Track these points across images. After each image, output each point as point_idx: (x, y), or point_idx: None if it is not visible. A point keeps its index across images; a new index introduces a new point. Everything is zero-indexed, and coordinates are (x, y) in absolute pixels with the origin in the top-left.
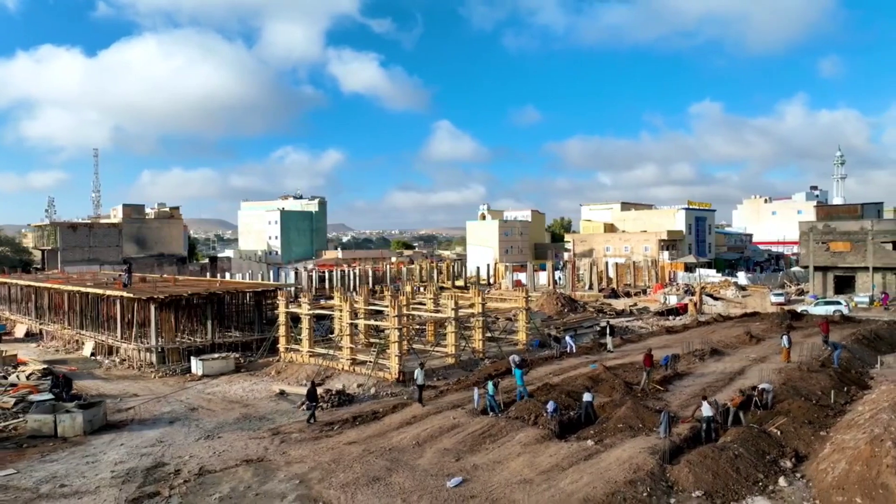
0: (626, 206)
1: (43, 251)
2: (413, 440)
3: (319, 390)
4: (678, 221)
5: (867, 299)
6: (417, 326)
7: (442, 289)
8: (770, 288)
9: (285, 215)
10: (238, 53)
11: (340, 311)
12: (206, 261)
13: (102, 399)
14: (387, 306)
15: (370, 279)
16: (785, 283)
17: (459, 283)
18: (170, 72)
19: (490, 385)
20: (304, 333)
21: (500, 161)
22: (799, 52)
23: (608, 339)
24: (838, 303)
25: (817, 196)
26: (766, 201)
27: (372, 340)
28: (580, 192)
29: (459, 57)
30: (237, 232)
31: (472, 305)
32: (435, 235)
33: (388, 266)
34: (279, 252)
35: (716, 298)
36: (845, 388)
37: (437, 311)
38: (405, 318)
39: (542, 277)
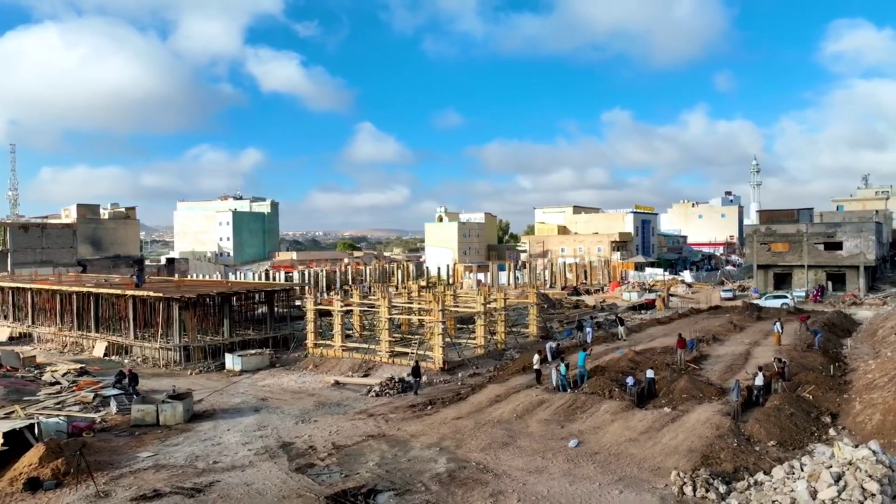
0: (577, 209)
1: None
2: (512, 413)
3: (373, 380)
4: (627, 224)
5: (804, 293)
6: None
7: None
8: (712, 285)
9: (237, 216)
10: (151, 46)
11: (371, 307)
12: (163, 262)
13: (190, 391)
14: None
15: (338, 280)
16: (723, 280)
17: (422, 283)
18: (74, 63)
19: (563, 366)
20: (337, 329)
21: (424, 163)
22: (698, 67)
23: (620, 329)
24: (785, 296)
25: (732, 201)
26: (692, 205)
27: (394, 335)
28: (501, 195)
29: (382, 60)
30: (152, 233)
31: (495, 301)
32: (365, 237)
33: (348, 267)
34: (231, 253)
35: (671, 295)
36: (836, 364)
37: (456, 308)
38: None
39: (502, 277)
